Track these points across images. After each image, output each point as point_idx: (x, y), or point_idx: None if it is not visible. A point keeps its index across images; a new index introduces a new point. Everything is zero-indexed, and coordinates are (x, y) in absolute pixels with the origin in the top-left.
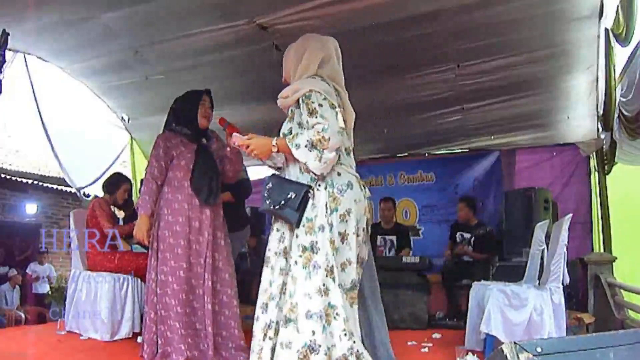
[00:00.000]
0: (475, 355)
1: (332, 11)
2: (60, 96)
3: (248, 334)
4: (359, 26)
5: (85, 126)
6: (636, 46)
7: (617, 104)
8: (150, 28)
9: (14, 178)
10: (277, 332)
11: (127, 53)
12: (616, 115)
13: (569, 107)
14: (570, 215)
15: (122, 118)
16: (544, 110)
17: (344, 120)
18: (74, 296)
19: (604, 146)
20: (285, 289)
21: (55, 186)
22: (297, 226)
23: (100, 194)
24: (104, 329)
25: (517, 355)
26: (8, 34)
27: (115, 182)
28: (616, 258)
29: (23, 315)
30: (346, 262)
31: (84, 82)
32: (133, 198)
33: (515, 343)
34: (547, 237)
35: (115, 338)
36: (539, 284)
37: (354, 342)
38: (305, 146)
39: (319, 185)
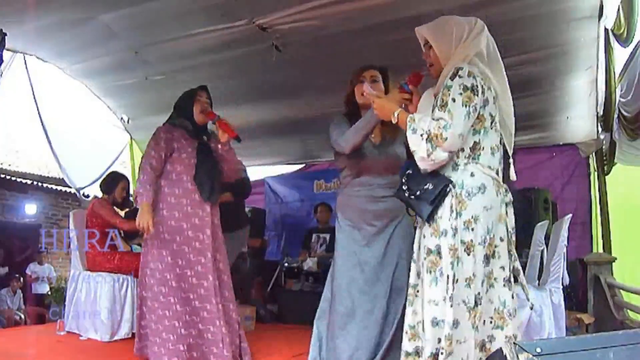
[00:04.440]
0: None
1: (332, 11)
2: (60, 96)
3: (246, 335)
4: (359, 26)
5: (85, 126)
6: (636, 46)
7: (616, 105)
8: (150, 28)
9: (13, 178)
10: (414, 336)
11: (127, 53)
12: (616, 115)
13: (568, 108)
14: (570, 215)
15: (122, 118)
16: (544, 111)
17: (492, 115)
18: (73, 296)
19: (604, 147)
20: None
21: (55, 186)
22: (428, 221)
23: (100, 194)
24: (104, 329)
25: (517, 356)
26: (5, 34)
27: (113, 181)
28: (616, 258)
29: (23, 316)
30: (471, 277)
31: (83, 83)
32: (131, 196)
33: (515, 343)
34: (547, 237)
35: (115, 338)
36: (539, 284)
37: None
38: (421, 135)
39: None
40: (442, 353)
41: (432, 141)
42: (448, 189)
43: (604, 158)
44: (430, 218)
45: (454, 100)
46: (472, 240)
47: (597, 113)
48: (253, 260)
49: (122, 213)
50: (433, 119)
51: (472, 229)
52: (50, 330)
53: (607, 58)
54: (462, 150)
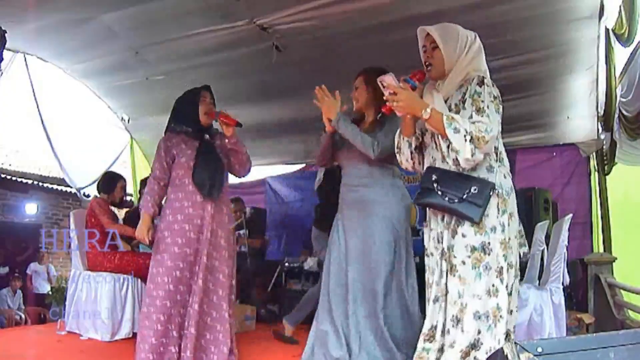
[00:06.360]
0: None
1: (332, 11)
2: (60, 96)
3: (246, 335)
4: (359, 26)
5: (85, 126)
6: (636, 46)
7: (617, 104)
8: (151, 28)
9: (14, 178)
10: (443, 333)
11: (128, 54)
12: (616, 115)
13: (569, 107)
14: (570, 215)
15: (122, 118)
16: (544, 111)
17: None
18: (74, 296)
19: (604, 146)
20: (448, 290)
21: (55, 186)
22: (478, 223)
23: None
24: (104, 329)
25: (518, 356)
26: (5, 32)
27: (111, 181)
28: (616, 258)
29: (23, 316)
30: (508, 266)
31: (84, 83)
32: (132, 196)
33: (515, 343)
34: (547, 237)
35: (115, 338)
36: (539, 284)
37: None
38: (464, 135)
39: None
40: (507, 337)
41: (473, 142)
42: (494, 191)
43: (605, 158)
44: (480, 219)
45: (488, 106)
46: (509, 234)
47: (598, 113)
48: (253, 260)
49: (122, 213)
50: (471, 122)
51: (510, 224)
52: (51, 330)
53: (608, 58)
54: (494, 153)
